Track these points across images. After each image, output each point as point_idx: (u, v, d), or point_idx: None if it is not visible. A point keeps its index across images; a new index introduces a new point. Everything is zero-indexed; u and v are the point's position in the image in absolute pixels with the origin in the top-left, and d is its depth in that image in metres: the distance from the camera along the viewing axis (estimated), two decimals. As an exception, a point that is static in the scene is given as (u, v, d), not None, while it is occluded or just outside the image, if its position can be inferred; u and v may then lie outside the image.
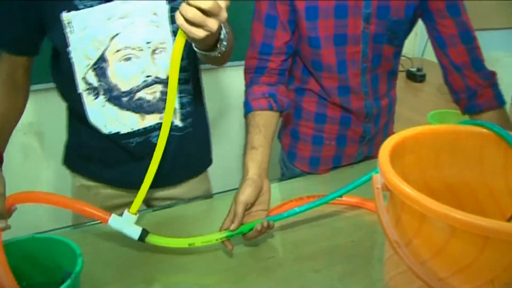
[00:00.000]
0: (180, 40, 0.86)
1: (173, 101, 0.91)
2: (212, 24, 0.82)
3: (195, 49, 0.98)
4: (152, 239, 1.00)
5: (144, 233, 0.99)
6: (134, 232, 0.99)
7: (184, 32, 0.83)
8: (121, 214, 0.99)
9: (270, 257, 1.03)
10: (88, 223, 1.15)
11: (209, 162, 1.37)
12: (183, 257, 1.02)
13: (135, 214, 0.99)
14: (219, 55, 0.99)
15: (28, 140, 1.99)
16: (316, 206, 1.01)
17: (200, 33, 0.83)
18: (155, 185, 1.16)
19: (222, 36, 0.96)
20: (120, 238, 1.07)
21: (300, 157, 1.35)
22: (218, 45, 0.97)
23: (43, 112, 1.92)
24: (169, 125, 0.92)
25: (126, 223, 0.99)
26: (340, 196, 0.98)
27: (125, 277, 0.98)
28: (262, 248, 1.06)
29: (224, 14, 0.83)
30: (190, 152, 1.25)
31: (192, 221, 1.14)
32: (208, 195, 1.34)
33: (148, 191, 0.99)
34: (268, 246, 1.06)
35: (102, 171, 1.24)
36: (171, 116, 0.93)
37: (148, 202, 1.33)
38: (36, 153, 2.03)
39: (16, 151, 1.97)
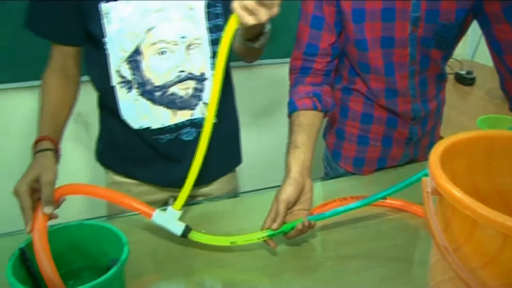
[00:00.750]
0: (231, 26, 0.90)
1: (217, 90, 0.94)
2: (264, 14, 0.88)
3: (239, 37, 1.02)
4: (194, 236, 1.01)
5: (187, 230, 1.00)
6: (177, 228, 1.00)
7: (237, 17, 0.88)
8: (165, 210, 1.00)
9: (311, 256, 1.03)
10: (132, 213, 1.17)
11: (238, 161, 1.36)
12: (223, 252, 1.03)
13: (179, 210, 1.00)
14: (258, 47, 1.03)
15: (78, 129, 2.04)
16: (359, 207, 1.00)
17: (251, 20, 0.88)
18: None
19: (266, 30, 1.02)
20: (163, 229, 1.09)
21: (344, 156, 1.33)
22: (260, 37, 1.02)
23: (91, 102, 1.96)
24: (212, 118, 0.95)
25: (170, 219, 1.00)
26: (385, 197, 0.97)
27: (165, 268, 0.99)
28: (302, 247, 1.05)
29: (276, 9, 0.88)
30: (220, 150, 1.24)
31: (218, 220, 1.14)
32: (235, 194, 1.34)
33: (179, 190, 1.00)
34: (309, 245, 1.06)
35: (133, 168, 1.25)
36: (214, 107, 0.95)
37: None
38: (84, 143, 2.08)
39: (65, 140, 2.02)
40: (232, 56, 1.20)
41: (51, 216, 0.90)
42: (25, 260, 0.82)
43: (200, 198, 1.29)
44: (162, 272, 0.99)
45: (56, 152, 1.00)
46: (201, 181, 1.26)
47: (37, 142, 1.00)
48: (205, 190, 1.30)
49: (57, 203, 0.92)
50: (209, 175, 1.27)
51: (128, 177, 1.26)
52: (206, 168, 1.23)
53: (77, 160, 2.09)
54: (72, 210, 1.87)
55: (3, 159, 1.98)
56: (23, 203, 0.88)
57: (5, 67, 1.85)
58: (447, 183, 0.62)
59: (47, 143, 0.99)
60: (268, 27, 1.02)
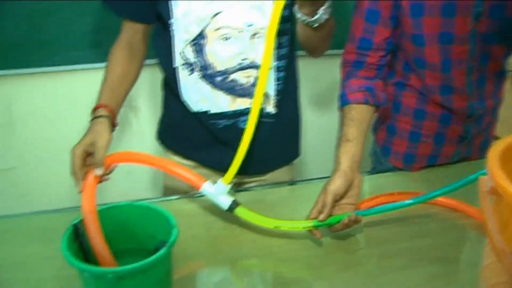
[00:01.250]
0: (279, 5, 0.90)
1: (265, 78, 0.94)
2: None
3: (298, 14, 1.02)
4: (241, 211, 1.01)
5: (234, 204, 1.01)
6: (225, 202, 1.01)
7: None
8: (215, 183, 1.02)
9: (356, 251, 1.02)
10: (181, 196, 1.19)
11: (297, 153, 1.36)
12: (270, 240, 1.03)
13: (228, 184, 1.01)
14: (317, 24, 1.01)
15: (125, 113, 2.08)
16: (412, 205, 0.98)
17: None
18: (243, 171, 1.18)
19: (326, 6, 1.01)
20: (211, 215, 1.10)
21: (394, 152, 1.31)
22: (319, 12, 1.01)
23: (141, 87, 2.00)
24: (259, 104, 0.95)
25: (218, 192, 1.01)
26: (437, 196, 0.94)
27: (213, 254, 1.00)
28: (348, 241, 1.04)
29: None
30: (280, 141, 1.25)
31: (271, 207, 1.14)
32: (290, 182, 1.33)
33: (236, 177, 1.01)
34: (354, 240, 1.05)
35: (190, 151, 1.27)
36: (261, 95, 0.95)
37: (236, 187, 1.35)
38: (132, 127, 2.12)
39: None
40: (298, 46, 1.20)
41: (101, 179, 0.95)
42: (77, 236, 0.84)
43: (253, 184, 1.30)
44: (208, 257, 0.99)
45: (112, 120, 1.04)
46: (257, 170, 1.27)
47: (94, 109, 1.05)
48: (260, 179, 1.30)
49: (108, 169, 0.97)
50: (265, 165, 1.28)
51: (185, 158, 1.28)
52: (262, 158, 1.24)
53: (124, 144, 2.14)
54: (120, 192, 1.94)
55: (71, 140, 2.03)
56: (76, 164, 0.94)
57: (85, 47, 1.90)
58: (507, 183, 0.60)
59: (103, 111, 1.04)
60: (328, 3, 1.01)
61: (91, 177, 0.93)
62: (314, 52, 1.20)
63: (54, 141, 2.06)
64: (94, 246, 0.82)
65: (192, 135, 1.24)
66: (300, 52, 1.23)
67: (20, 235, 1.07)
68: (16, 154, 2.10)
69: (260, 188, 1.26)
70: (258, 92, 0.95)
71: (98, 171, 0.94)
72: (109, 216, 0.89)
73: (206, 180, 1.01)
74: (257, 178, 1.30)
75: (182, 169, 1.01)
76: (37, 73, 1.95)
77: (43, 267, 0.97)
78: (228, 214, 1.04)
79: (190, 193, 1.22)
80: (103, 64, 1.82)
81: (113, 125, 1.05)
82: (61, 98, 2.02)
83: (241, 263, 0.98)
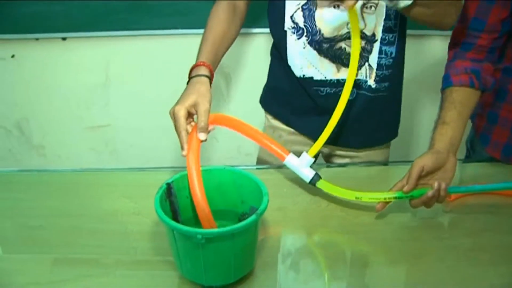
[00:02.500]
0: None
1: (358, 49, 0.93)
2: None
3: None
4: (322, 184, 1.01)
5: (317, 177, 1.01)
6: (308, 174, 1.01)
7: None
8: (298, 155, 1.01)
9: (444, 238, 0.97)
10: (271, 167, 1.20)
11: (394, 134, 1.31)
12: (357, 219, 1.01)
13: (313, 157, 1.01)
14: (403, 5, 0.92)
15: (216, 80, 2.09)
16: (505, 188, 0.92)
17: None
18: (336, 142, 1.15)
19: None
20: (299, 187, 1.10)
21: (494, 142, 1.22)
22: None
23: (233, 55, 2.00)
24: (354, 75, 0.95)
25: (302, 165, 1.01)
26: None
27: (297, 226, 1.00)
28: (438, 226, 1.00)
29: None
30: (378, 117, 1.21)
31: (360, 185, 1.09)
32: (383, 162, 1.29)
33: (329, 147, 0.99)
34: (444, 226, 1.00)
35: (290, 116, 1.27)
36: (355, 67, 0.94)
37: (327, 158, 1.32)
38: (221, 94, 2.13)
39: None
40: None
41: (204, 141, 0.93)
42: (169, 195, 0.86)
43: (346, 161, 1.28)
44: (292, 229, 0.99)
45: (210, 79, 1.03)
46: (350, 143, 1.24)
47: (194, 67, 1.03)
48: (352, 154, 1.28)
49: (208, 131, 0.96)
50: (360, 141, 1.24)
51: (284, 123, 1.28)
52: (358, 132, 1.21)
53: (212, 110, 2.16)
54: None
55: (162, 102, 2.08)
56: (180, 127, 0.92)
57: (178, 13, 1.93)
58: None
59: (205, 69, 1.02)
60: None
61: (195, 140, 0.91)
62: (438, 27, 1.11)
63: (147, 101, 2.12)
64: (198, 206, 0.83)
65: (294, 101, 1.23)
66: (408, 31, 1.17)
67: (112, 189, 1.12)
68: (111, 112, 2.18)
69: (352, 165, 1.24)
70: (353, 62, 0.94)
71: (202, 136, 0.92)
72: (204, 178, 0.89)
73: (289, 152, 1.01)
74: (351, 153, 1.27)
75: (269, 140, 1.01)
76: (134, 36, 2.00)
77: (131, 221, 1.01)
78: (317, 189, 1.02)
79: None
80: (193, 31, 1.85)
81: (210, 85, 1.03)
82: (155, 60, 2.07)
83: (324, 238, 0.97)
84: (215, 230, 0.74)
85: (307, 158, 1.01)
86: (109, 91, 2.14)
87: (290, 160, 1.01)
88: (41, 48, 2.06)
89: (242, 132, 1.00)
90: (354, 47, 0.94)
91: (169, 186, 0.85)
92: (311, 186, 1.03)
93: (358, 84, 1.14)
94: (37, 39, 2.03)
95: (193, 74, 1.02)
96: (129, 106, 2.17)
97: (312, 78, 1.15)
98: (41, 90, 2.17)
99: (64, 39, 2.02)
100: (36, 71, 2.14)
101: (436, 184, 0.92)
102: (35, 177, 1.19)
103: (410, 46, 1.19)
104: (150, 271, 0.87)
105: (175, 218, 0.86)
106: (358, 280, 0.87)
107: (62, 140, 2.30)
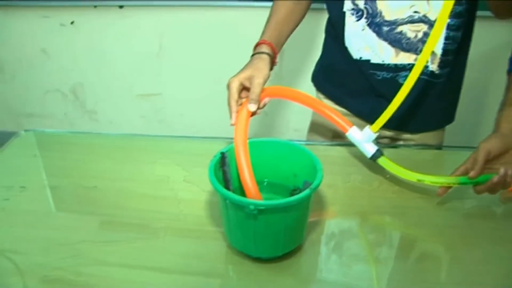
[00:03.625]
0: None
1: (438, 35, 0.87)
2: None
3: None
4: (384, 162, 0.98)
5: (378, 153, 0.98)
6: (370, 149, 0.99)
7: None
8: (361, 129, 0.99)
9: (498, 229, 0.92)
10: (323, 143, 1.18)
11: (451, 119, 1.26)
12: (407, 201, 0.98)
13: (376, 132, 0.98)
14: None
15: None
16: None
17: None
18: (389, 124, 1.12)
19: None
20: (351, 165, 1.08)
21: None
22: None
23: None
24: (425, 62, 0.89)
25: (364, 139, 0.99)
26: None
27: (346, 204, 0.97)
28: (492, 216, 0.96)
29: None
30: (437, 102, 1.16)
31: (416, 167, 1.06)
32: (437, 146, 1.25)
33: (383, 129, 0.96)
34: (499, 217, 0.96)
35: (343, 97, 1.23)
36: (429, 52, 0.89)
37: (378, 140, 1.29)
38: (274, 70, 2.11)
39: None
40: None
41: (253, 113, 0.94)
42: (223, 164, 0.85)
43: (400, 142, 1.24)
44: (340, 207, 0.97)
45: (272, 58, 1.02)
46: (407, 127, 1.20)
47: (257, 45, 1.04)
48: (406, 136, 1.24)
49: (261, 103, 0.96)
50: (417, 125, 1.21)
51: (337, 103, 1.25)
52: (415, 116, 1.17)
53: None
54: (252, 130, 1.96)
55: (215, 73, 2.09)
56: (231, 97, 0.93)
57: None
58: None
59: (265, 47, 1.02)
60: None
61: (244, 111, 0.92)
62: (501, 16, 1.07)
63: (199, 72, 2.13)
64: (243, 177, 0.82)
65: (348, 82, 1.19)
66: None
67: (163, 156, 1.13)
68: (163, 81, 2.20)
69: (406, 147, 1.20)
70: (427, 49, 0.88)
71: (252, 107, 0.93)
72: (255, 149, 0.89)
73: (352, 125, 0.99)
74: (406, 136, 1.23)
75: (332, 111, 0.99)
76: (190, 6, 2.00)
77: (182, 188, 1.01)
78: (368, 168, 1.00)
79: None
80: (250, 3, 1.82)
81: (272, 63, 1.03)
82: (209, 31, 2.06)
83: (373, 219, 0.95)
84: (269, 202, 0.73)
85: (370, 132, 0.98)
86: (161, 60, 2.16)
87: (353, 133, 0.99)
88: (99, 15, 2.09)
89: (302, 102, 0.99)
90: (435, 32, 0.88)
91: (223, 156, 0.85)
92: (363, 165, 1.00)
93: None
94: (95, 6, 2.05)
95: (255, 51, 1.03)
96: (181, 76, 2.18)
97: (369, 61, 1.11)
98: (97, 56, 2.21)
99: (121, 7, 2.04)
100: (93, 38, 2.17)
101: (502, 170, 0.88)
102: (90, 139, 1.22)
103: (476, 27, 1.14)
104: (199, 239, 0.88)
105: (227, 187, 0.86)
106: (406, 265, 0.84)
107: (114, 106, 2.35)
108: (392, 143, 1.25)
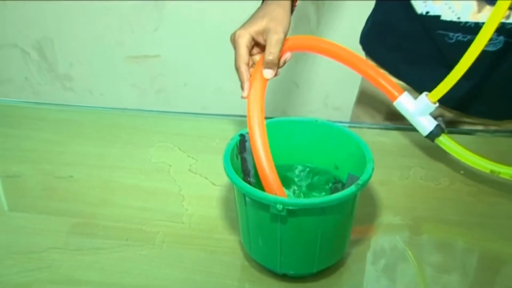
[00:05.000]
0: None
1: None
2: None
3: None
4: (445, 142, 0.99)
5: (438, 130, 0.99)
6: (426, 124, 1.00)
7: None
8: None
9: None
10: (372, 125, 1.19)
11: None
12: (475, 206, 0.99)
13: (435, 103, 0.98)
14: None
15: (303, 5, 2.07)
16: None
17: None
18: (465, 108, 1.12)
19: None
20: (410, 156, 1.09)
21: None
22: None
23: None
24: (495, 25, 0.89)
25: (419, 110, 0.99)
26: None
27: (400, 206, 0.99)
28: None
29: None
30: None
31: (493, 158, 1.07)
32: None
33: (454, 112, 0.96)
34: None
35: (400, 64, 1.24)
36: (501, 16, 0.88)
37: (450, 125, 1.30)
38: (308, 25, 2.11)
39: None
40: None
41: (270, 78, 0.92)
42: (243, 149, 0.87)
43: (478, 128, 1.25)
44: (393, 210, 0.98)
45: (293, 2, 1.01)
46: (487, 114, 1.21)
47: None
48: (486, 122, 1.25)
49: (281, 61, 0.94)
50: (501, 112, 1.21)
51: (392, 73, 1.25)
52: (501, 102, 1.18)
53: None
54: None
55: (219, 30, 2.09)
56: (239, 58, 0.91)
57: None
58: None
59: None
60: None
61: (259, 78, 0.90)
62: None
63: (209, 29, 2.13)
64: (259, 167, 0.82)
65: (409, 45, 1.20)
66: None
67: (162, 138, 1.15)
68: (162, 39, 2.20)
69: (484, 133, 1.21)
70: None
71: (269, 73, 0.91)
72: (280, 132, 0.90)
73: (404, 91, 0.99)
74: (482, 121, 1.24)
75: (376, 71, 0.99)
76: None
77: (187, 180, 1.04)
78: (435, 160, 1.01)
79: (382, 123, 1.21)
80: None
81: (292, 9, 1.01)
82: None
83: (438, 230, 0.95)
84: (302, 200, 0.74)
85: (427, 102, 0.98)
86: (162, 11, 2.15)
87: (404, 102, 0.99)
88: None
89: (340, 59, 0.98)
90: None
91: (243, 139, 0.86)
92: (428, 156, 1.01)
93: (507, 30, 1.08)
94: None
95: None
96: (186, 32, 2.18)
97: (438, 17, 1.10)
98: (73, 2, 2.20)
99: None
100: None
101: None
102: (63, 114, 1.24)
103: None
104: (207, 246, 0.89)
105: (247, 180, 0.87)
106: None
107: (95, 71, 2.35)
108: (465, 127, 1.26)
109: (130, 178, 1.04)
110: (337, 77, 2.06)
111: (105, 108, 1.27)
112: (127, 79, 2.33)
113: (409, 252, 0.90)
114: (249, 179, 0.88)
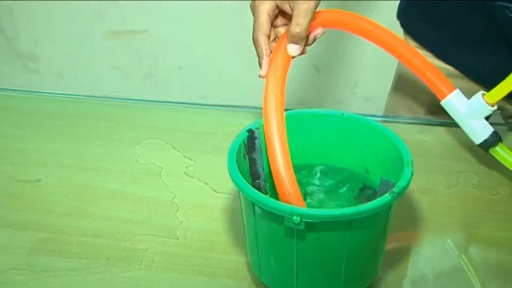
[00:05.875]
0: None
1: None
2: None
3: None
4: (501, 153, 1.00)
5: (494, 138, 1.00)
6: (480, 130, 1.00)
7: None
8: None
9: None
10: (409, 120, 1.19)
11: None
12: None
13: (493, 105, 0.99)
14: None
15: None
16: None
17: None
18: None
19: None
20: (455, 159, 1.10)
21: None
22: None
23: None
24: None
25: (472, 112, 1.00)
26: None
27: (460, 223, 1.00)
28: None
29: None
30: None
31: None
32: None
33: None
34: None
35: (446, 44, 1.25)
36: None
37: (506, 119, 1.31)
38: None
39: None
40: None
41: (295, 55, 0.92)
42: (252, 148, 0.87)
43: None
44: (443, 224, 0.99)
45: None
46: None
47: None
48: None
49: (310, 38, 0.95)
50: None
51: (437, 55, 1.27)
52: None
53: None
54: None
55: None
56: (259, 29, 0.92)
57: None
58: None
59: None
60: None
61: (282, 54, 0.90)
62: None
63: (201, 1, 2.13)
64: (275, 170, 0.82)
65: (458, 22, 1.21)
66: None
67: (152, 134, 1.17)
68: (151, 11, 2.21)
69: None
70: None
71: (295, 49, 0.91)
72: (300, 126, 0.91)
73: (456, 88, 1.00)
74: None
75: (427, 64, 1.00)
76: None
77: (182, 186, 1.05)
78: (489, 166, 1.01)
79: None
80: None
81: None
82: None
83: (494, 249, 0.96)
84: (324, 211, 0.74)
85: (483, 103, 0.99)
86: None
87: (455, 102, 1.00)
88: None
89: (375, 41, 0.99)
90: None
91: (251, 135, 0.87)
92: (480, 160, 1.02)
93: None
94: None
95: None
96: (181, 3, 2.18)
97: None
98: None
99: None
100: None
101: None
102: (28, 103, 1.25)
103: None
104: (207, 268, 0.90)
105: (256, 186, 0.87)
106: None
107: (67, 50, 2.36)
108: None
109: (112, 183, 1.05)
110: (369, 60, 2.06)
111: (80, 96, 1.27)
112: (107, 60, 2.33)
113: (460, 275, 0.91)
114: (258, 183, 0.88)
